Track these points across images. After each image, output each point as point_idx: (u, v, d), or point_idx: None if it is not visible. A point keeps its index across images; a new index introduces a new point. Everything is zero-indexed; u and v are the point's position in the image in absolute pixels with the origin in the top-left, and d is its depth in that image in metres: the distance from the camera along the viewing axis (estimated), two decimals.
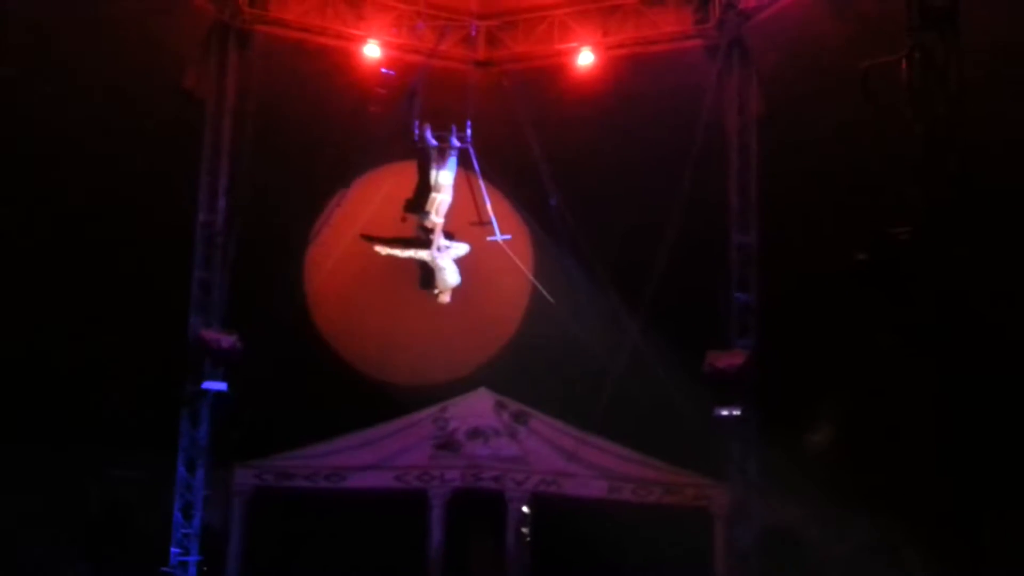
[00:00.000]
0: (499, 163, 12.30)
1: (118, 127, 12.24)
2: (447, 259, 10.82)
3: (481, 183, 11.45)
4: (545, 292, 12.32)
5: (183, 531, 12.41)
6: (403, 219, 10.87)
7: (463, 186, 11.26)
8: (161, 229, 12.55)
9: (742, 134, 12.95)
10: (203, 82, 12.81)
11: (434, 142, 11.11)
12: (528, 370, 13.20)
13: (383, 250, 10.80)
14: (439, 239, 10.75)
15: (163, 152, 12.42)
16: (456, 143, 11.14)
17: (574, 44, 13.32)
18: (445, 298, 10.92)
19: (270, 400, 12.49)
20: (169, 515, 12.43)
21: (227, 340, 12.46)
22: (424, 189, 10.89)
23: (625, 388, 12.82)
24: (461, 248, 10.85)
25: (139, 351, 12.30)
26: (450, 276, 10.76)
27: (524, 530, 13.40)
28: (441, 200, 10.86)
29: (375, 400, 13.06)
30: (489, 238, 11.60)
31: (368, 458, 13.46)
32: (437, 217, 10.78)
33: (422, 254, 10.75)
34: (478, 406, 13.65)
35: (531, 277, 12.46)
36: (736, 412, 12.45)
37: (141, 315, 12.36)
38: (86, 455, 12.23)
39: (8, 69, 11.57)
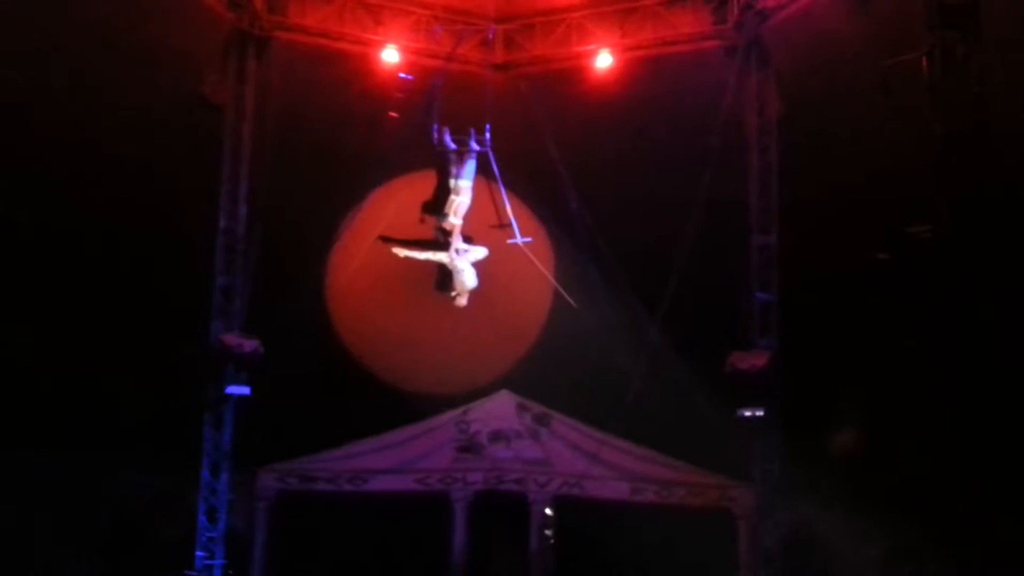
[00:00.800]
0: (518, 166, 12.19)
1: (138, 136, 12.37)
2: (465, 262, 10.82)
3: (500, 186, 11.46)
4: (566, 295, 12.29)
5: (208, 535, 12.51)
6: (421, 220, 10.89)
7: (482, 190, 11.27)
8: (183, 236, 12.67)
9: (762, 135, 12.99)
10: (222, 89, 12.94)
11: (453, 145, 11.11)
12: (550, 372, 13.24)
13: (401, 252, 10.82)
14: (457, 241, 10.76)
15: (183, 160, 12.56)
16: (475, 146, 11.14)
17: (592, 46, 13.38)
18: (462, 301, 10.92)
19: (292, 404, 12.60)
20: (193, 520, 12.52)
21: (249, 345, 12.55)
22: (443, 192, 10.92)
23: (647, 390, 12.85)
24: (479, 252, 10.86)
25: (162, 357, 12.43)
26: (468, 279, 10.76)
27: (547, 532, 13.44)
28: (460, 202, 10.88)
29: (396, 404, 13.18)
30: (509, 240, 11.53)
31: (390, 461, 13.54)
32: (455, 219, 10.81)
33: (440, 256, 10.77)
34: (500, 408, 13.70)
35: (552, 280, 12.45)
36: (759, 413, 12.48)
37: (164, 321, 12.49)
38: (109, 462, 12.37)
39: (25, 78, 11.70)
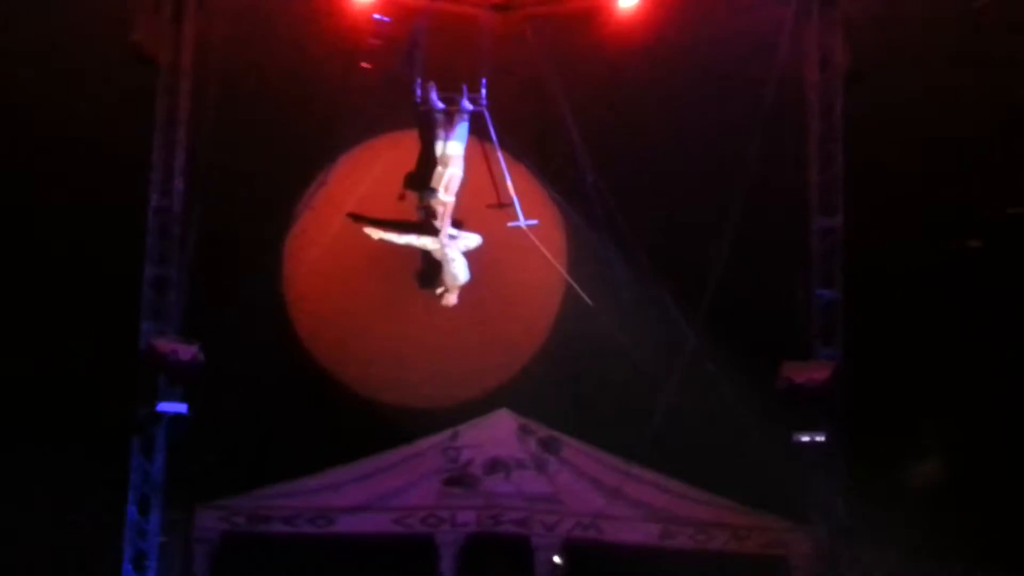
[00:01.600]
0: (522, 130, 12.41)
1: (51, 91, 12.49)
2: (455, 250, 10.93)
3: (500, 156, 11.50)
4: (581, 291, 12.36)
5: None
6: (401, 196, 11.02)
7: (477, 160, 11.33)
8: (105, 216, 12.75)
9: (824, 94, 13.09)
10: (155, 37, 13.01)
11: (440, 105, 11.20)
12: (560, 387, 13.40)
13: (375, 234, 10.90)
14: (447, 224, 10.87)
15: (106, 122, 12.64)
16: (468, 106, 11.23)
17: None
18: (451, 299, 10.99)
19: (240, 425, 12.72)
20: (117, 569, 12.67)
21: (186, 351, 12.62)
22: (428, 162, 11.02)
23: (681, 408, 12.97)
24: (471, 239, 10.97)
25: (77, 365, 12.63)
26: (459, 271, 10.84)
27: None
28: (450, 175, 10.96)
29: (369, 425, 13.26)
30: (510, 224, 11.60)
31: (361, 497, 13.68)
32: (447, 195, 10.90)
33: (425, 241, 10.86)
34: (498, 432, 13.84)
35: (564, 273, 12.50)
36: (819, 438, 12.61)
37: (80, 321, 12.66)
38: (15, 495, 12.53)
39: None
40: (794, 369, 12.63)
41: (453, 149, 11.10)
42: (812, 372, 12.62)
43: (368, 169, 12.62)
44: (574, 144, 13.12)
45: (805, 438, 12.61)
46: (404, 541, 13.56)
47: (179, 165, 13.06)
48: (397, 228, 10.92)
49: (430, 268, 10.93)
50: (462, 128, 11.19)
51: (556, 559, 13.62)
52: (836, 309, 12.88)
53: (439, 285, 10.92)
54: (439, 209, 10.87)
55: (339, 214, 12.20)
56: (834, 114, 13.01)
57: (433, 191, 10.84)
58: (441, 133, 11.17)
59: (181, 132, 13.05)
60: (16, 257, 12.68)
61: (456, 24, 12.93)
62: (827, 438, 12.60)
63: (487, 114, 11.32)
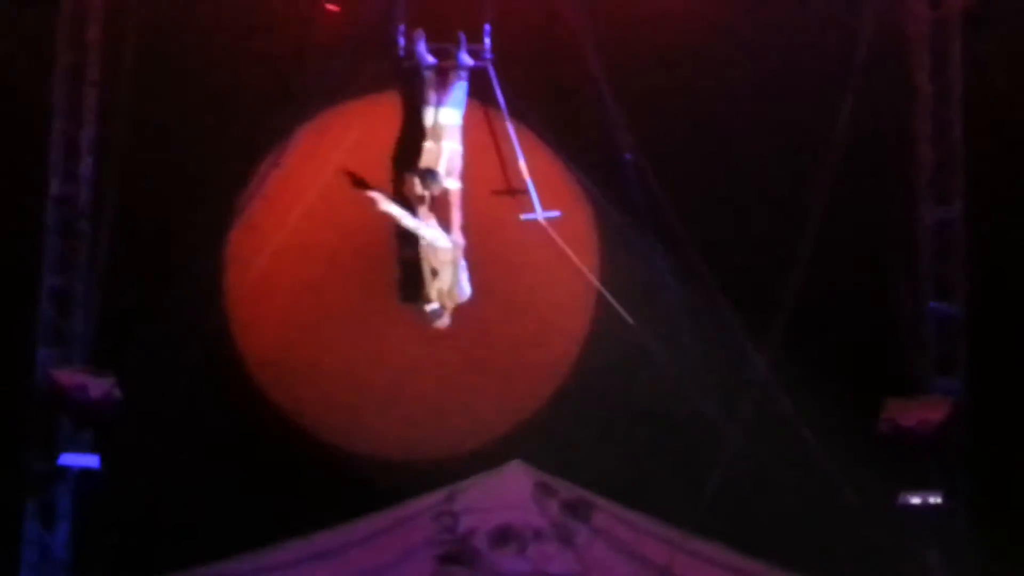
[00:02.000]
0: (538, 93, 12.25)
1: None
2: (458, 253, 10.85)
3: (509, 126, 11.38)
4: (616, 304, 12.05)
5: None
6: (396, 183, 11.01)
7: (478, 130, 11.31)
8: None
9: (936, 43, 12.82)
10: None
11: (431, 59, 11.14)
12: (590, 432, 12.94)
13: (383, 203, 10.72)
14: (458, 215, 10.88)
15: None
16: (466, 60, 11.16)
17: None
18: (445, 319, 10.88)
19: (167, 483, 12.30)
20: None
21: (97, 386, 12.33)
22: (414, 135, 10.97)
23: (748, 461, 12.58)
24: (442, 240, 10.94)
25: None
26: (463, 284, 10.76)
27: None
28: (449, 151, 10.93)
29: (338, 482, 12.85)
30: (524, 216, 11.50)
31: None
32: (453, 180, 10.93)
33: (433, 236, 10.72)
34: (509, 491, 13.31)
35: (594, 280, 12.24)
36: (934, 499, 12.31)
37: None
38: None
39: None
40: (900, 408, 12.29)
41: (448, 117, 10.97)
42: (924, 412, 12.26)
43: (336, 145, 12.33)
44: (607, 110, 12.73)
45: (915, 499, 12.27)
46: None
47: (86, 141, 12.74)
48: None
49: (411, 277, 10.83)
50: (459, 89, 11.06)
51: None
52: (955, 328, 12.57)
53: (428, 299, 10.78)
54: (447, 198, 10.87)
55: (296, 204, 12.08)
56: (950, 69, 12.72)
57: (434, 174, 10.80)
58: (432, 96, 11.03)
59: (89, 97, 12.74)
60: None
61: None
62: (944, 499, 12.27)
63: (492, 71, 11.18)
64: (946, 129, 12.67)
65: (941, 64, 12.71)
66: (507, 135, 11.44)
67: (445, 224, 10.99)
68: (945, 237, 12.63)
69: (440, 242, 10.87)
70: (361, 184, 11.07)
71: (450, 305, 10.93)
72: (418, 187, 10.93)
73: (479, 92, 11.28)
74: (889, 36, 12.66)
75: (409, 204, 10.79)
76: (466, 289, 10.92)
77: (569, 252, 11.77)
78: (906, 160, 12.72)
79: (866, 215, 12.63)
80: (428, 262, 10.90)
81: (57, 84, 12.67)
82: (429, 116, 10.99)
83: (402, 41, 11.14)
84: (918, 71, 12.75)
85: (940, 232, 12.64)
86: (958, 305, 12.57)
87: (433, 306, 10.91)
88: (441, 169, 10.93)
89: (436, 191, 10.89)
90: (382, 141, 11.26)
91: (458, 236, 10.95)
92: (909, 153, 12.73)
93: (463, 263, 10.94)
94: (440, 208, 11.05)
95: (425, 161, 10.92)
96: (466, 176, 11.10)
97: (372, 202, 10.88)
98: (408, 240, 11.10)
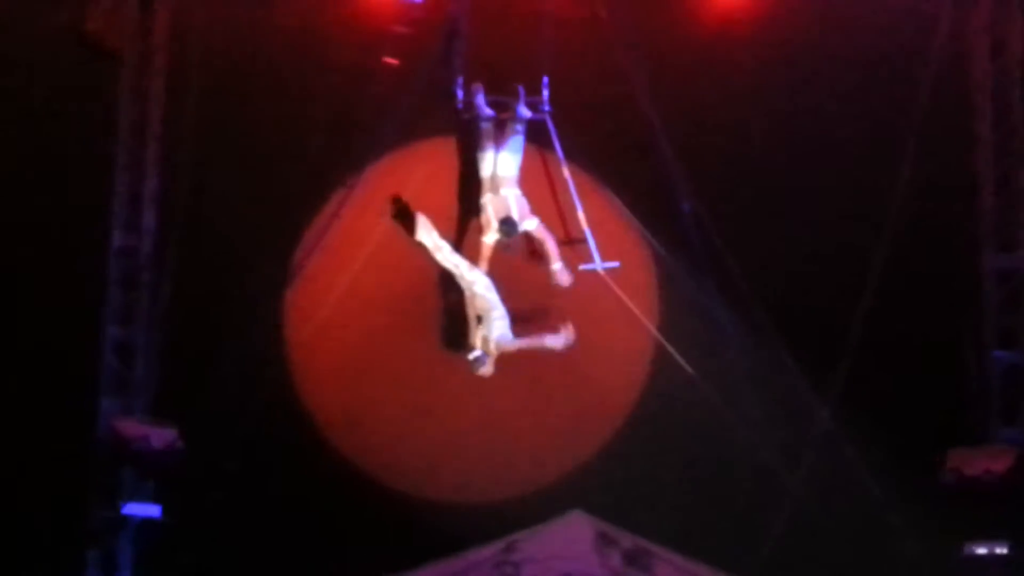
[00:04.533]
0: (596, 142, 12.31)
1: None
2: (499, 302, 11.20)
3: (567, 175, 11.54)
4: (676, 354, 12.26)
5: None
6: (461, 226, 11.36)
7: (537, 180, 11.53)
8: (52, 260, 12.56)
9: (998, 89, 12.91)
10: (116, 24, 12.84)
11: (489, 111, 11.39)
12: (648, 481, 12.98)
13: (424, 235, 11.07)
14: (552, 245, 11.20)
15: (57, 136, 12.54)
16: (525, 112, 11.39)
17: None
18: (486, 368, 11.12)
19: (228, 532, 12.43)
20: None
21: (160, 437, 12.43)
22: (471, 186, 11.25)
23: (810, 511, 12.65)
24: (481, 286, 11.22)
25: (17, 455, 12.29)
26: (505, 331, 11.00)
27: None
28: (515, 198, 11.18)
29: (397, 529, 12.88)
30: (583, 267, 11.62)
31: None
32: (529, 220, 11.22)
33: (476, 280, 11.02)
34: (570, 541, 13.26)
35: (654, 330, 12.42)
36: (1000, 551, 12.31)
37: (20, 397, 12.38)
38: None
39: None
40: (964, 458, 12.33)
41: (505, 168, 11.24)
42: (989, 462, 12.26)
43: (396, 193, 12.25)
44: (665, 160, 12.86)
45: (981, 550, 12.29)
46: None
47: (149, 193, 12.90)
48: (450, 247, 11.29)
49: (455, 324, 11.14)
50: (517, 141, 11.32)
51: None
52: (1020, 377, 12.64)
53: (473, 348, 11.06)
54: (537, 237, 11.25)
55: (355, 254, 12.19)
56: (1012, 117, 12.83)
57: (512, 222, 11.11)
58: (490, 148, 11.29)
59: (152, 150, 12.91)
60: None
61: (507, 5, 12.76)
62: (1011, 550, 12.29)
63: (550, 123, 11.46)
64: (1008, 177, 12.74)
65: (1003, 112, 12.77)
66: (565, 185, 11.57)
67: (544, 259, 11.22)
68: (1009, 285, 12.68)
69: (479, 287, 11.02)
70: (405, 211, 11.20)
71: (494, 352, 11.09)
72: (495, 238, 11.12)
73: (536, 139, 11.47)
74: (951, 85, 12.74)
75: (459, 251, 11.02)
76: (509, 338, 11.03)
77: (628, 302, 11.91)
78: (969, 209, 12.77)
79: (930, 264, 12.66)
80: (472, 308, 11.11)
81: (120, 137, 12.80)
82: (487, 167, 11.21)
83: (460, 94, 11.37)
84: (980, 119, 12.82)
85: (1004, 280, 12.70)
86: (1023, 354, 12.62)
87: (476, 353, 11.09)
88: (515, 215, 11.15)
89: (515, 237, 11.14)
90: (439, 191, 11.46)
91: (562, 270, 11.12)
92: (972, 201, 12.79)
93: (504, 311, 11.06)
94: (535, 247, 11.35)
95: (495, 212, 11.08)
96: None
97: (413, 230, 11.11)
98: (452, 286, 11.31)
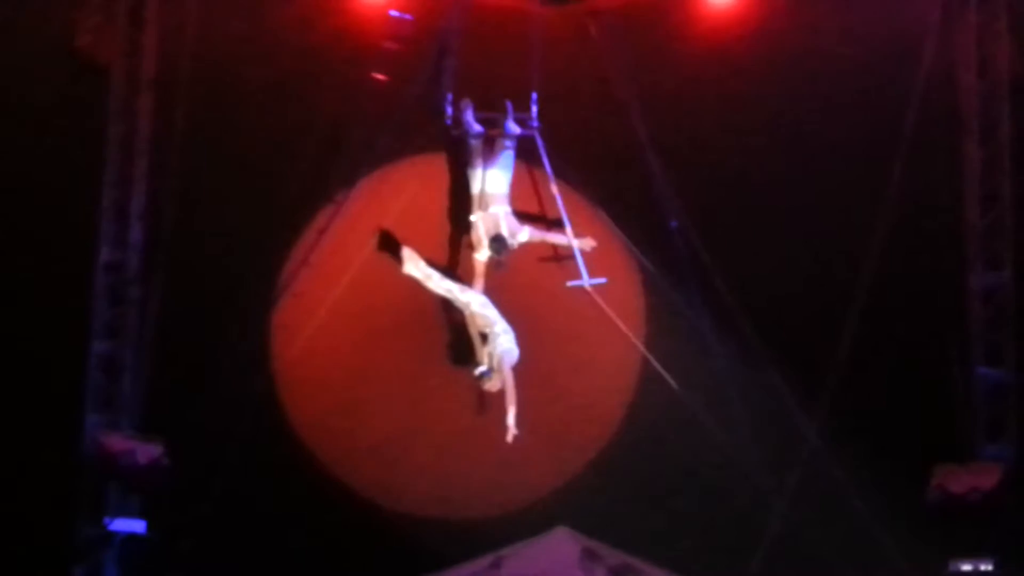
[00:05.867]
0: (585, 159, 12.42)
1: None
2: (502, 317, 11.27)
3: (555, 191, 11.64)
4: (662, 369, 12.33)
5: None
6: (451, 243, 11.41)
7: (525, 196, 11.61)
8: (38, 274, 12.64)
9: (985, 109, 12.98)
10: (106, 39, 12.90)
11: (478, 128, 11.47)
12: (635, 497, 13.07)
13: (411, 266, 11.20)
14: (552, 235, 11.44)
15: (45, 150, 12.63)
16: (514, 129, 11.47)
17: None
18: (496, 383, 11.16)
19: (215, 548, 12.53)
20: None
21: (145, 452, 12.50)
22: (461, 202, 11.36)
23: (797, 529, 12.71)
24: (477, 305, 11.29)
25: (6, 470, 12.35)
26: (509, 348, 11.06)
27: None
28: (504, 215, 11.28)
29: (386, 544, 12.97)
30: (571, 283, 11.71)
31: None
32: (521, 235, 11.32)
33: (473, 301, 11.15)
34: (555, 558, 13.25)
35: (640, 346, 12.49)
36: (986, 566, 12.36)
37: (9, 412, 12.46)
38: None
39: None
40: (950, 475, 12.39)
41: (495, 185, 11.36)
42: (974, 479, 12.33)
43: (382, 211, 12.50)
44: (654, 177, 12.95)
45: (966, 567, 12.35)
46: None
47: (137, 208, 12.97)
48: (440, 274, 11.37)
49: (461, 340, 11.16)
50: (506, 158, 11.44)
51: None
52: (1005, 394, 12.65)
53: (479, 364, 11.11)
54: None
55: (343, 270, 12.23)
56: (999, 135, 12.89)
57: (503, 239, 11.22)
58: (479, 164, 11.41)
59: (139, 165, 12.98)
60: None
61: (499, 22, 12.84)
62: (995, 566, 12.34)
63: (539, 139, 11.54)
64: (995, 195, 12.76)
65: (989, 131, 12.80)
66: (553, 201, 11.66)
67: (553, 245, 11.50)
68: (995, 303, 12.68)
69: (475, 307, 11.17)
70: (392, 245, 11.29)
71: (500, 368, 11.13)
72: (487, 255, 11.25)
73: (525, 155, 11.54)
74: (938, 105, 12.77)
75: (453, 269, 11.18)
76: (514, 352, 11.15)
77: (615, 318, 12.01)
78: (955, 227, 12.81)
79: (916, 282, 12.73)
80: (474, 327, 11.23)
81: (108, 153, 12.83)
82: (476, 184, 11.33)
83: (450, 110, 11.46)
84: (967, 138, 12.85)
85: (989, 298, 12.70)
86: (1008, 371, 12.62)
87: (481, 369, 11.17)
88: (505, 233, 11.26)
89: (506, 255, 11.26)
90: (428, 208, 11.54)
91: (582, 242, 11.36)
92: (958, 220, 12.82)
93: (508, 326, 11.20)
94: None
95: (486, 230, 11.18)
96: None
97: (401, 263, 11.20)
98: (454, 307, 11.43)
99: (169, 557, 12.52)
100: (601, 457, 13.16)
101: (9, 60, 12.51)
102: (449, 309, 11.60)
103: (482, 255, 11.38)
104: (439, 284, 11.17)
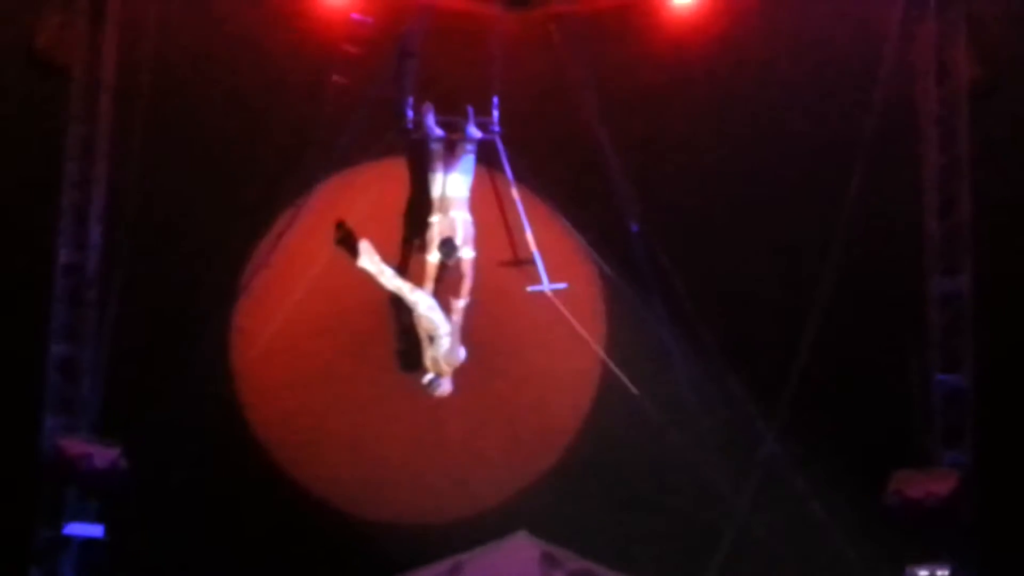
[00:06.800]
0: (546, 163, 12.47)
1: None
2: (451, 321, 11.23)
3: (516, 196, 11.66)
4: (621, 374, 12.39)
5: None
6: (408, 247, 11.33)
7: (486, 201, 11.56)
8: None
9: (944, 117, 13.04)
10: (66, 40, 12.87)
11: (439, 132, 11.47)
12: (594, 502, 13.14)
13: (367, 262, 11.09)
14: (468, 283, 11.21)
15: (3, 152, 12.59)
16: (475, 133, 11.50)
17: None
18: (445, 387, 11.16)
19: (173, 553, 12.57)
20: None
21: (103, 456, 12.47)
22: (421, 206, 11.31)
23: (754, 534, 12.86)
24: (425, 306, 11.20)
25: None
26: (453, 349, 11.02)
27: None
28: (463, 222, 11.27)
29: (345, 549, 13.05)
30: (531, 288, 11.76)
31: None
32: (468, 249, 11.25)
33: (421, 301, 11.07)
34: (514, 562, 13.41)
35: (599, 351, 12.54)
36: (942, 572, 12.38)
37: None
38: None
39: None
40: (907, 480, 12.44)
41: (455, 189, 11.34)
42: (931, 484, 12.39)
43: (342, 214, 12.29)
44: (614, 181, 13.06)
45: (923, 572, 12.39)
46: None
47: (96, 210, 12.93)
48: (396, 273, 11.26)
49: (411, 346, 11.10)
50: (467, 162, 11.43)
51: None
52: (963, 400, 12.71)
53: (427, 369, 11.06)
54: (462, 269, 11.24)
55: (303, 273, 12.25)
56: (957, 142, 12.95)
57: (452, 244, 11.17)
58: (439, 168, 11.39)
59: (99, 167, 12.93)
60: None
61: (460, 26, 12.90)
62: (952, 572, 12.37)
63: (500, 143, 11.55)
64: (954, 202, 12.79)
65: (949, 138, 12.84)
66: (514, 205, 11.67)
67: (455, 289, 11.20)
68: (953, 310, 12.71)
69: (422, 308, 11.07)
70: (349, 238, 11.21)
71: (447, 371, 11.11)
72: (438, 258, 11.17)
73: (486, 159, 11.54)
74: (898, 111, 12.86)
75: (405, 271, 11.04)
76: (460, 353, 11.07)
77: (575, 323, 12.01)
78: (914, 233, 12.84)
79: (874, 288, 12.83)
80: (422, 328, 11.10)
81: (67, 154, 12.79)
82: (436, 188, 11.28)
83: (411, 114, 11.40)
84: (926, 145, 12.89)
85: (948, 305, 12.72)
86: (966, 378, 12.65)
87: (429, 377, 11.10)
88: (458, 240, 11.21)
89: (453, 261, 11.17)
90: (388, 211, 11.45)
91: (463, 301, 11.09)
92: (919, 226, 12.84)
93: (451, 328, 11.07)
94: (452, 275, 11.28)
95: (439, 232, 11.14)
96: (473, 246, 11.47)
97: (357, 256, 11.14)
98: (403, 307, 11.31)
99: (127, 560, 12.51)
100: (561, 462, 13.26)
101: None
102: (403, 314, 11.40)
103: (433, 257, 11.32)
104: (391, 281, 11.11)
